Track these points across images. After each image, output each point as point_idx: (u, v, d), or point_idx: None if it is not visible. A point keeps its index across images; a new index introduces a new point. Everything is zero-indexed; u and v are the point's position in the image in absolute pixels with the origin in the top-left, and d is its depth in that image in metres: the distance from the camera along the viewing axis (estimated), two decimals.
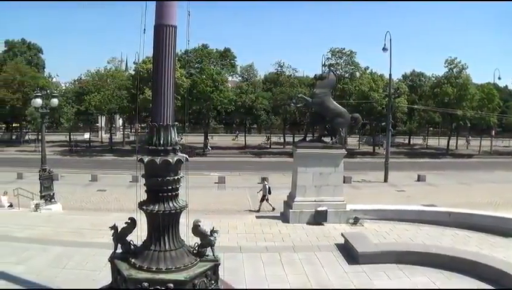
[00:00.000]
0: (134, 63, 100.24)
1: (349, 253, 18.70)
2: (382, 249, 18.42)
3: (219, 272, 10.86)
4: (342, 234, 20.31)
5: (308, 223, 24.02)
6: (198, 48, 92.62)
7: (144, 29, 9.98)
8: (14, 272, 16.27)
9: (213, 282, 10.43)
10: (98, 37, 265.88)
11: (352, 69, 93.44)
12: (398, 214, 25.86)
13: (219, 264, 10.75)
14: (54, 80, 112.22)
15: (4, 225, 24.34)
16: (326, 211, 24.09)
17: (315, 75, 27.73)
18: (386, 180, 56.58)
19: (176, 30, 10.10)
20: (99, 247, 18.12)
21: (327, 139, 25.59)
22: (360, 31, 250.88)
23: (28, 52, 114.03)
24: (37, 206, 29.90)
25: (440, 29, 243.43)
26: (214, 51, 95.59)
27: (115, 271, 10.51)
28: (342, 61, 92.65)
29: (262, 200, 38.28)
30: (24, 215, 28.07)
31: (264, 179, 41.11)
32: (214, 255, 10.67)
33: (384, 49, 57.16)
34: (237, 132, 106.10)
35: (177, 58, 11.64)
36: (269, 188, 38.72)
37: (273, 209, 35.41)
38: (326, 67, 78.31)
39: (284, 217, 25.38)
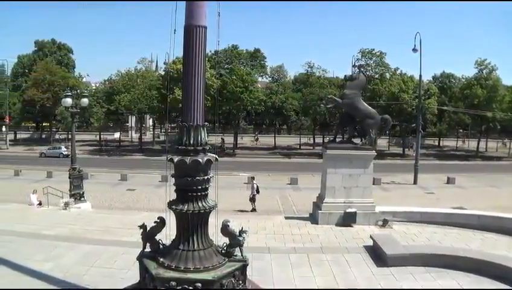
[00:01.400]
0: (164, 63, 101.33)
1: (377, 255, 18.55)
2: (410, 251, 18.24)
3: (247, 272, 10.81)
4: (371, 236, 20.17)
5: (337, 224, 23.88)
6: (229, 48, 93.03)
7: (175, 30, 9.97)
8: (43, 269, 16.45)
9: (241, 282, 10.38)
10: (128, 37, 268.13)
11: (382, 70, 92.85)
12: (426, 216, 25.66)
13: (247, 264, 10.69)
14: (84, 79, 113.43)
15: (33, 223, 24.62)
16: (355, 212, 23.93)
17: (345, 76, 27.47)
18: (415, 182, 56.28)
19: (206, 31, 10.08)
20: (128, 246, 18.21)
21: (357, 141, 25.40)
22: (390, 32, 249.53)
23: (58, 52, 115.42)
24: (66, 204, 30.14)
25: (470, 30, 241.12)
26: (244, 51, 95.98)
27: (143, 270, 10.53)
28: (372, 62, 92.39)
29: (252, 199, 38.87)
30: (53, 214, 28.35)
31: (252, 179, 41.12)
32: (242, 255, 10.62)
33: (414, 50, 56.83)
34: (257, 133, 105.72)
35: (207, 59, 11.58)
36: (257, 187, 39.20)
37: (255, 210, 36.91)
38: (356, 68, 78.01)
39: (313, 218, 25.27)
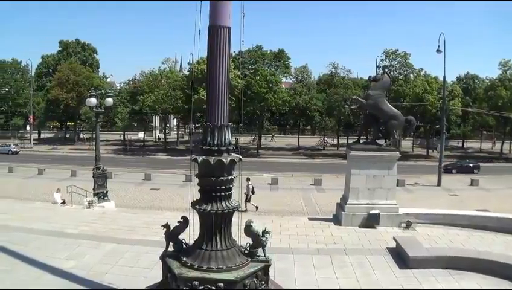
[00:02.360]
0: (188, 63, 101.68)
1: (400, 257, 18.43)
2: (433, 254, 18.10)
3: (269, 273, 10.80)
4: (394, 238, 20.03)
5: (360, 226, 23.71)
6: (253, 49, 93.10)
7: (199, 30, 10.00)
8: (65, 267, 16.62)
9: (263, 283, 10.38)
10: (152, 37, 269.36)
11: (407, 70, 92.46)
12: (450, 218, 25.38)
13: (270, 265, 10.68)
14: (109, 79, 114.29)
15: (57, 221, 24.79)
16: (378, 214, 23.77)
17: (369, 76, 27.34)
18: (439, 184, 55.96)
19: (230, 31, 10.10)
20: (151, 245, 18.35)
21: (381, 142, 25.23)
22: (414, 32, 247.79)
23: (83, 52, 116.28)
24: (90, 203, 30.30)
25: (494, 31, 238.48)
26: (268, 52, 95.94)
27: (166, 269, 10.57)
28: (396, 62, 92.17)
29: (246, 200, 38.26)
30: (77, 212, 28.50)
31: (247, 179, 41.20)
32: (265, 256, 10.61)
33: (438, 50, 56.42)
34: (273, 134, 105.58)
35: (231, 59, 11.55)
36: (253, 187, 39.00)
37: (245, 210, 35.89)
38: (381, 68, 77.89)
39: (336, 220, 25.15)
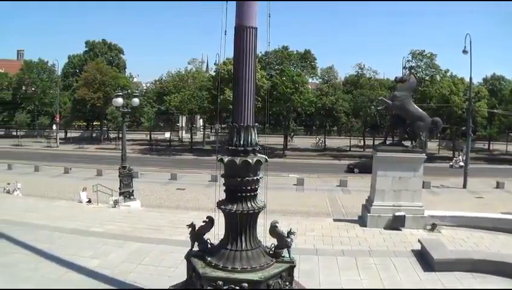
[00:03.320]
0: (214, 64, 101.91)
1: (425, 260, 18.29)
2: (458, 256, 17.96)
3: (294, 274, 10.78)
4: (419, 240, 19.90)
5: (386, 227, 23.58)
6: (279, 49, 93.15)
7: (225, 31, 9.98)
8: (90, 266, 16.75)
9: (287, 283, 10.34)
10: (178, 38, 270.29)
11: (433, 71, 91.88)
12: (475, 221, 25.12)
13: (294, 266, 10.66)
14: (135, 80, 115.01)
15: (82, 220, 24.99)
16: (404, 216, 23.61)
17: (395, 77, 27.16)
18: (464, 186, 55.52)
19: (257, 32, 10.08)
20: (176, 244, 18.41)
21: (407, 143, 25.08)
22: (440, 33, 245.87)
23: (109, 52, 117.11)
24: (115, 202, 30.48)
25: None
26: (294, 52, 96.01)
27: (191, 269, 10.60)
28: (422, 63, 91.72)
29: None
30: (102, 211, 28.72)
31: None
32: (290, 256, 10.57)
33: (464, 51, 55.99)
34: (292, 135, 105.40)
35: (257, 60, 11.51)
36: None
37: None
38: (407, 69, 77.43)
39: (362, 221, 25.05)
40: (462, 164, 67.75)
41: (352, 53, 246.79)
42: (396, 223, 23.64)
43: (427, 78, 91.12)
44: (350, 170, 69.66)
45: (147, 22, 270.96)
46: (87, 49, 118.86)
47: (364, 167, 66.70)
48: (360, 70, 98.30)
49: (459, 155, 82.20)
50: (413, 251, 19.70)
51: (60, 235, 21.05)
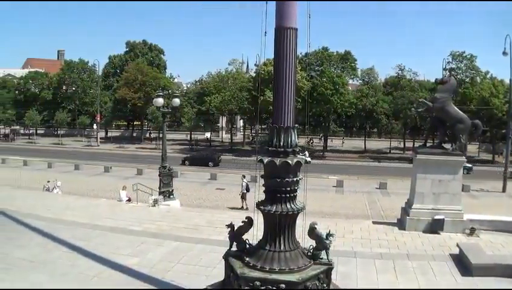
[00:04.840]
0: (255, 64, 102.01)
1: (463, 264, 18.09)
2: (496, 261, 17.73)
3: (331, 276, 10.74)
4: (457, 244, 19.69)
5: (425, 231, 23.32)
6: (319, 50, 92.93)
7: (265, 32, 9.98)
8: (128, 263, 17.04)
9: (325, 285, 10.31)
10: (219, 39, 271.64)
11: (473, 73, 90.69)
12: None
13: (332, 268, 10.61)
14: (176, 80, 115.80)
15: (122, 218, 25.34)
16: (443, 219, 23.33)
17: (436, 79, 26.81)
18: (504, 190, 54.52)
19: (297, 33, 10.06)
20: (214, 244, 18.56)
21: (447, 146, 24.82)
22: (480, 34, 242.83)
23: (150, 53, 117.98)
24: (155, 201, 30.65)
25: None
26: (335, 53, 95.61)
27: (228, 269, 10.65)
28: (462, 65, 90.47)
29: (243, 197, 39.26)
30: (142, 210, 28.97)
31: (243, 177, 40.81)
32: (328, 258, 10.54)
33: (504, 53, 55.22)
34: (311, 138, 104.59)
35: (297, 61, 11.53)
36: (247, 185, 39.40)
37: (247, 208, 36.52)
38: (447, 71, 76.59)
39: (401, 224, 24.80)
40: None
41: (393, 54, 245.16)
42: (435, 227, 23.37)
43: (467, 80, 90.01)
44: (182, 162, 73.19)
45: (188, 23, 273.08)
46: (127, 49, 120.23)
47: (194, 160, 73.18)
48: (400, 71, 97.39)
49: None
50: (451, 255, 19.50)
51: (99, 233, 21.45)
